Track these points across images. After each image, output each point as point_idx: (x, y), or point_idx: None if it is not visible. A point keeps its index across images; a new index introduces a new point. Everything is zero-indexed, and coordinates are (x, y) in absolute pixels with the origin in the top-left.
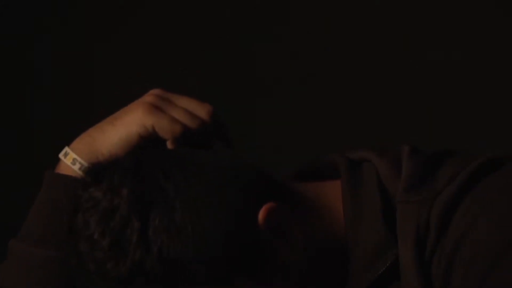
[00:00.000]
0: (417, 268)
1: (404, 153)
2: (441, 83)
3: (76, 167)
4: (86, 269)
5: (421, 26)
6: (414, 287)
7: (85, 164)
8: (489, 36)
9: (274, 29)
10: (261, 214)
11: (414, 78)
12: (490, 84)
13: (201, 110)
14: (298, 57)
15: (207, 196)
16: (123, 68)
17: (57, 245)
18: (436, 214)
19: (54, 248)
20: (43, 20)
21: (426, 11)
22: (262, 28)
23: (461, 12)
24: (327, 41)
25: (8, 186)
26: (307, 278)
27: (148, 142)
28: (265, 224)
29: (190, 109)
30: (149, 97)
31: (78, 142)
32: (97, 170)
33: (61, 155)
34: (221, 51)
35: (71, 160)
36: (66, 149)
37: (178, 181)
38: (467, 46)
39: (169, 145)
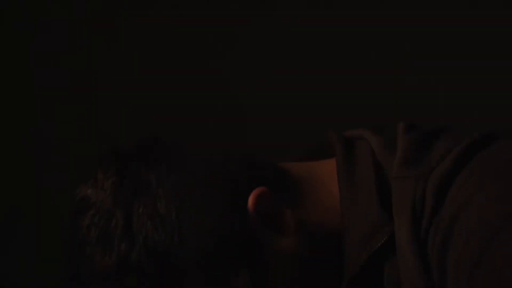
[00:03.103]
0: (412, 244)
1: (399, 130)
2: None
3: None
4: (77, 269)
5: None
6: (410, 262)
7: None
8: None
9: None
10: (250, 200)
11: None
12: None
13: None
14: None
15: (191, 184)
16: (125, 68)
17: None
18: (432, 189)
19: None
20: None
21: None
22: (261, 25)
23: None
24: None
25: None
26: (304, 263)
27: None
28: (255, 210)
29: None
30: None
31: None
32: (86, 169)
33: None
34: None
35: None
36: None
37: (160, 171)
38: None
39: None
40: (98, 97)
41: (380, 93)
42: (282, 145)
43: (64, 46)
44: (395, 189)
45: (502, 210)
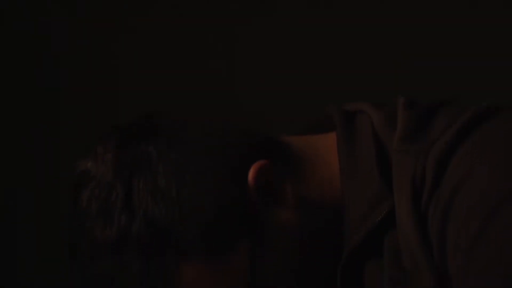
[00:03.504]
0: (413, 218)
1: (399, 104)
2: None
3: None
4: (77, 245)
5: None
6: (410, 236)
7: None
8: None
9: None
10: (250, 174)
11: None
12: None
13: None
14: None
15: (191, 159)
16: (125, 68)
17: None
18: (432, 163)
19: None
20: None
21: None
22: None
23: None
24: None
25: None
26: (304, 236)
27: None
28: (255, 184)
29: None
30: None
31: None
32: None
33: None
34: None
35: None
36: None
37: (160, 145)
38: None
39: None
40: (98, 98)
41: (380, 93)
42: None
43: (65, 46)
44: (396, 163)
45: (504, 183)
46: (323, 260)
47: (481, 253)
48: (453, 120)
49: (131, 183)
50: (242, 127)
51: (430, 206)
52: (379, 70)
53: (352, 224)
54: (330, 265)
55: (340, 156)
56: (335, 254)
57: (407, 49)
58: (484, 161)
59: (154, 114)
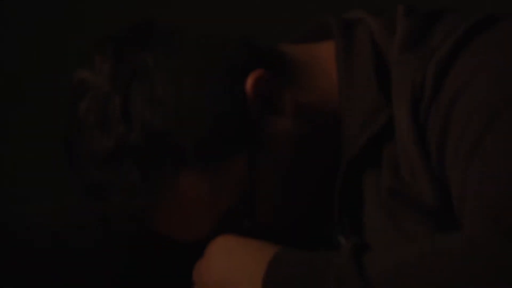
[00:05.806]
0: (412, 128)
1: (399, 12)
2: None
3: None
4: (76, 155)
5: None
6: (409, 146)
7: None
8: None
9: None
10: (248, 83)
11: None
12: None
13: None
14: None
15: (188, 67)
16: None
17: None
18: (432, 72)
19: None
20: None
21: None
22: None
23: None
24: None
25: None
26: (302, 146)
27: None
28: (254, 93)
29: None
30: None
31: None
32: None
33: None
34: None
35: None
36: None
37: (158, 53)
38: None
39: None
40: None
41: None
42: None
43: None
44: (395, 72)
45: (505, 90)
46: (321, 170)
47: (481, 158)
48: (453, 29)
49: (129, 93)
50: (241, 36)
51: (429, 115)
52: None
53: (351, 133)
54: (327, 175)
55: (338, 65)
56: (333, 164)
57: None
58: (485, 68)
59: (151, 22)
